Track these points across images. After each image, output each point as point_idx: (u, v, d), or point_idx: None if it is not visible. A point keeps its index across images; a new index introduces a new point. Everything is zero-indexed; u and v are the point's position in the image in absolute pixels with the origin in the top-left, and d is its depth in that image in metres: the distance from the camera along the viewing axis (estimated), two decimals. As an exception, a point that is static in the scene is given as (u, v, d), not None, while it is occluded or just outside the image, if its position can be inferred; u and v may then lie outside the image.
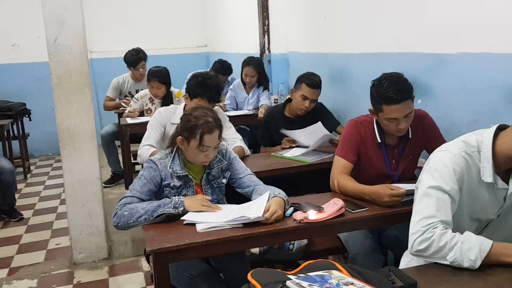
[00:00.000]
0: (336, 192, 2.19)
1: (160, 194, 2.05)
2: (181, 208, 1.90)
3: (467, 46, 2.31)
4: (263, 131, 3.36)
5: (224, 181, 2.17)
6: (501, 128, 1.54)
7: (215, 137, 2.01)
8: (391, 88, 2.03)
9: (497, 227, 1.62)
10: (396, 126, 2.10)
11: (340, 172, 2.21)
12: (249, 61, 4.45)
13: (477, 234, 1.46)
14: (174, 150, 2.10)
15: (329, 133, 2.93)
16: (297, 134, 3.03)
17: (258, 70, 4.41)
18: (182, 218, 1.87)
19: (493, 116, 2.12)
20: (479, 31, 2.21)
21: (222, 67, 5.07)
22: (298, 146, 3.04)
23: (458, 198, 1.52)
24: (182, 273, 2.00)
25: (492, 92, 2.17)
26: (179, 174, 2.05)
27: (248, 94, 4.56)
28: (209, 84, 2.73)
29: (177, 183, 2.05)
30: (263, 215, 1.81)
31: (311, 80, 3.07)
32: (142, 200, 1.96)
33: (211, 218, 1.86)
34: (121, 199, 1.96)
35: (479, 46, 2.23)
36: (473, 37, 2.26)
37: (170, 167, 2.04)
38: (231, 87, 4.68)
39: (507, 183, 1.53)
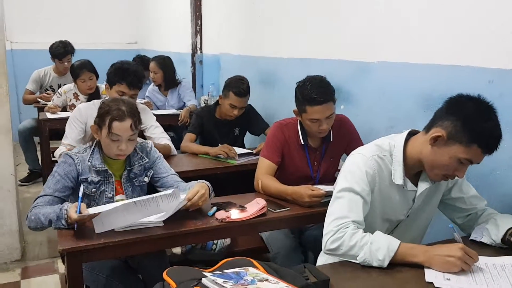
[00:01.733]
0: (260, 192, 2.21)
1: (78, 189, 1.94)
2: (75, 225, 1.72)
3: (387, 55, 2.43)
4: (196, 120, 3.26)
5: (147, 179, 2.11)
6: (411, 134, 1.63)
7: (126, 126, 1.91)
8: (314, 90, 2.10)
9: (407, 227, 1.71)
10: (318, 127, 2.17)
11: (264, 172, 2.24)
12: (154, 57, 4.40)
13: (388, 234, 1.51)
14: (94, 143, 2.02)
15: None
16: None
17: (161, 67, 4.30)
18: (96, 232, 1.70)
19: (409, 123, 2.23)
20: (398, 42, 2.34)
21: (142, 62, 4.77)
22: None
23: (370, 199, 1.58)
24: (97, 274, 1.92)
25: (408, 99, 2.29)
26: (98, 169, 1.97)
27: (166, 97, 4.42)
28: (127, 68, 2.66)
29: (95, 178, 1.96)
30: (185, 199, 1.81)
31: (239, 89, 3.03)
32: (58, 198, 1.86)
33: (127, 217, 1.75)
34: (35, 199, 1.86)
35: (398, 56, 2.35)
36: (393, 47, 2.38)
37: (89, 161, 1.96)
38: (147, 94, 4.45)
39: (416, 186, 1.62)
